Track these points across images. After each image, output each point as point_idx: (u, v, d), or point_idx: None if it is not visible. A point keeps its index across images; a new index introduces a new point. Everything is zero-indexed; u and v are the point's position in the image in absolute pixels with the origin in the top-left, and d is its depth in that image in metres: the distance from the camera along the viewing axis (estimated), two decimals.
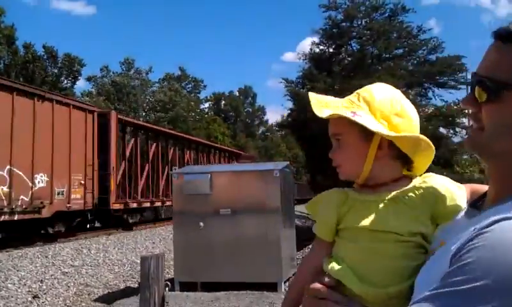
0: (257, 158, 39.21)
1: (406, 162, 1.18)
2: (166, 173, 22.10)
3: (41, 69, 38.49)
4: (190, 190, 8.61)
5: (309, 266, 1.26)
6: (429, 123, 17.24)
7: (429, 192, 1.14)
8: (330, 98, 1.21)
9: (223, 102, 71.76)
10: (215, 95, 70.04)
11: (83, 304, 9.26)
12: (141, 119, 48.01)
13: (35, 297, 8.88)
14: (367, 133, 1.13)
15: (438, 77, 19.81)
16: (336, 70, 17.87)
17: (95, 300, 9.50)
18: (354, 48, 20.23)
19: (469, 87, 0.95)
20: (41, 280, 9.76)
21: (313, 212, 1.27)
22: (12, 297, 8.65)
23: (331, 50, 20.48)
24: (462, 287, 0.68)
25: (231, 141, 59.15)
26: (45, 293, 9.19)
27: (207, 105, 66.44)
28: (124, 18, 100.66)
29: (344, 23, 19.98)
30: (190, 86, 58.68)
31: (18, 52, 36.82)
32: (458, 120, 19.38)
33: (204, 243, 8.23)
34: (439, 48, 20.25)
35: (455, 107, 19.13)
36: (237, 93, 73.68)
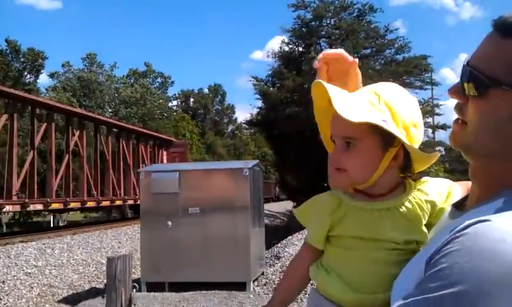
0: (188, 146, 36.48)
1: (404, 170, 1.15)
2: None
3: (3, 64, 37.41)
4: (158, 189, 8.50)
5: (297, 271, 1.23)
6: None
7: (424, 200, 1.12)
8: (349, 95, 1.14)
9: (192, 99, 71.31)
10: (183, 92, 69.52)
11: (47, 305, 9.04)
12: (107, 115, 47.30)
13: None
14: (386, 142, 1.08)
15: (404, 77, 20.14)
16: (305, 69, 17.93)
17: (59, 302, 9.29)
18: (323, 47, 20.37)
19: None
20: (3, 281, 9.49)
21: (305, 217, 1.22)
22: None
23: (300, 49, 20.60)
24: (435, 294, 0.67)
25: (199, 138, 58.82)
26: (7, 295, 8.94)
27: (175, 102, 65.73)
28: (89, 14, 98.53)
29: (313, 23, 20.13)
30: (158, 81, 57.95)
31: None
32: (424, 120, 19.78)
33: (172, 242, 8.14)
34: (406, 48, 20.60)
35: (420, 107, 19.51)
36: (207, 91, 73.39)
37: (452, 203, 1.08)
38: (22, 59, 40.15)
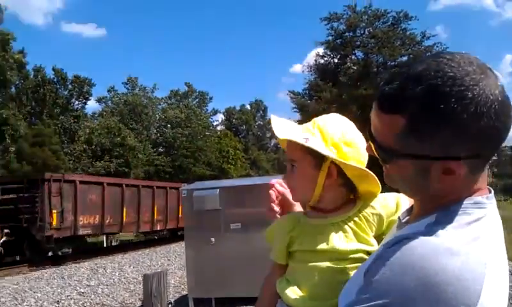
0: None
1: (352, 189, 1.28)
2: None
3: (51, 92, 38.98)
4: (199, 206, 8.68)
5: (268, 287, 1.38)
6: None
7: (371, 213, 1.26)
8: (290, 124, 1.31)
9: (234, 116, 71.97)
10: (227, 110, 70.36)
11: None
12: (153, 137, 48.39)
13: None
14: (318, 161, 1.22)
15: None
16: (342, 80, 17.93)
17: None
18: (359, 57, 20.30)
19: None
20: (58, 301, 9.88)
21: (269, 239, 1.38)
22: None
23: (336, 60, 20.61)
24: (365, 304, 0.73)
25: (243, 155, 59.16)
26: None
27: (216, 118, 66.65)
28: (131, 40, 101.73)
29: (346, 34, 20.07)
30: (196, 100, 58.96)
31: (28, 76, 37.42)
32: None
33: (216, 258, 8.26)
34: None
35: None
36: (249, 107, 73.95)
37: (397, 215, 1.19)
38: (70, 87, 41.75)
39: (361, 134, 1.30)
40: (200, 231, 8.54)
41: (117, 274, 12.56)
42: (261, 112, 75.49)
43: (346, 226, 1.24)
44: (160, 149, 47.46)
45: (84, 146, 38.78)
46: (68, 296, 10.29)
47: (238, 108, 72.64)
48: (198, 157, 44.54)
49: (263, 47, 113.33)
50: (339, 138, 1.23)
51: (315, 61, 21.03)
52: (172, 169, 44.32)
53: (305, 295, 1.22)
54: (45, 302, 9.67)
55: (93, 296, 10.65)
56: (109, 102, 52.35)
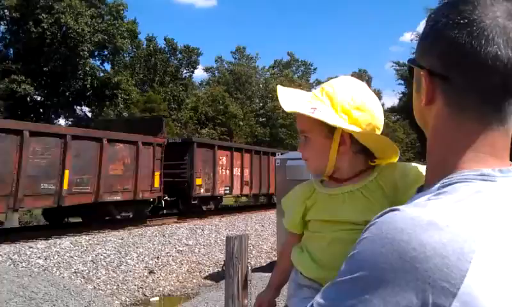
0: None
1: (369, 155, 1.23)
2: None
3: (163, 61, 41.02)
4: (292, 176, 8.78)
5: (283, 256, 1.42)
6: None
7: (388, 181, 1.20)
8: (298, 92, 1.28)
9: None
10: (328, 80, 69.56)
11: (194, 281, 9.93)
12: (255, 107, 49.29)
13: (151, 272, 9.70)
14: (329, 130, 1.19)
15: None
16: None
17: (205, 278, 10.14)
18: None
19: None
20: (158, 257, 10.61)
21: (285, 207, 1.39)
22: (130, 271, 9.54)
23: None
24: (344, 277, 0.71)
25: None
26: (160, 269, 10.00)
27: (318, 88, 66.15)
28: (239, 9, 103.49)
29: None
30: (301, 70, 58.78)
31: (141, 45, 39.69)
32: None
33: None
34: None
35: None
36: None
37: (414, 186, 1.09)
38: (179, 56, 43.64)
39: (374, 96, 1.24)
40: None
41: (213, 236, 13.16)
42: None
43: (361, 195, 1.20)
44: (260, 119, 48.29)
45: (191, 114, 40.55)
46: (167, 253, 11.00)
47: None
48: (294, 129, 44.69)
49: (371, 14, 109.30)
50: (349, 103, 1.19)
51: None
52: (270, 139, 45.00)
53: (316, 264, 1.22)
54: (145, 257, 10.43)
55: (190, 254, 11.29)
56: (216, 71, 54.16)
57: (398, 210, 0.72)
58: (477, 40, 0.74)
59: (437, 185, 0.77)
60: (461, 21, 0.76)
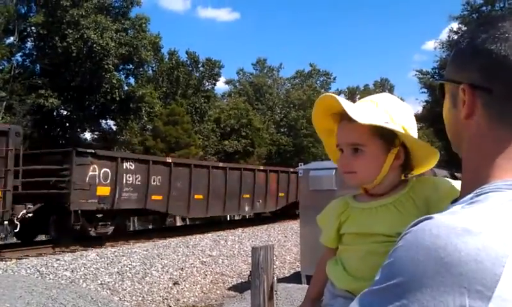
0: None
1: (405, 169, 1.30)
2: None
3: (185, 74, 41.46)
4: (315, 186, 8.79)
5: (319, 269, 1.48)
6: None
7: (419, 195, 1.25)
8: (361, 106, 1.32)
9: (358, 96, 70.57)
10: (349, 89, 69.10)
11: (218, 292, 9.96)
12: (277, 118, 49.36)
13: (175, 283, 9.77)
14: (388, 144, 1.25)
15: None
16: None
17: (229, 289, 10.16)
18: None
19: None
20: (182, 268, 10.68)
21: (321, 223, 1.46)
22: (155, 282, 9.62)
23: None
24: (382, 285, 0.73)
25: None
26: (184, 281, 10.07)
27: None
28: (262, 22, 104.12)
29: (484, 8, 18.49)
30: (320, 80, 58.86)
31: (163, 59, 40.23)
32: None
33: None
34: None
35: None
36: (373, 86, 71.93)
37: (446, 201, 1.13)
38: (201, 69, 44.04)
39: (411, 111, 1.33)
40: (315, 211, 8.52)
41: (237, 247, 13.19)
42: (387, 91, 73.01)
43: (394, 209, 1.24)
44: (282, 129, 48.32)
45: (213, 126, 40.80)
46: (191, 264, 11.07)
47: (362, 88, 70.96)
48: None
49: (394, 22, 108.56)
50: (403, 119, 1.26)
51: (448, 36, 19.78)
52: (293, 148, 44.94)
53: (349, 275, 1.26)
54: (170, 268, 10.51)
55: (214, 265, 11.33)
56: (237, 83, 54.50)
57: (432, 218, 0.75)
58: None
59: (470, 195, 0.80)
60: (501, 36, 0.81)
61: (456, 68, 0.88)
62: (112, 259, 10.27)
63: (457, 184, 1.24)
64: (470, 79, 0.84)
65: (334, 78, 60.79)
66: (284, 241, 14.84)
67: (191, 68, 43.17)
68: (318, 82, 58.54)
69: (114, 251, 10.90)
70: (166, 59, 40.99)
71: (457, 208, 0.78)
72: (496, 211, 0.74)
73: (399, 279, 0.71)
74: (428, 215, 0.76)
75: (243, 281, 10.37)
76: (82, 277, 9.05)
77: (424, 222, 0.75)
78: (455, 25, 19.56)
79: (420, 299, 0.68)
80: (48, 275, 8.87)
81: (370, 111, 1.27)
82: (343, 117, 1.28)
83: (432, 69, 20.06)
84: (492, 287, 0.66)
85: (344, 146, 1.29)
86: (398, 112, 1.27)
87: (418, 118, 24.09)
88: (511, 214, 0.73)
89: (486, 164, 0.83)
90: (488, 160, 0.83)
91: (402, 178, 1.30)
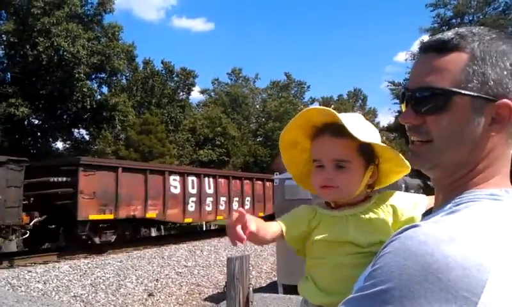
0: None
1: (370, 185, 1.36)
2: None
3: (160, 83, 41.19)
4: (291, 195, 8.80)
5: (270, 224, 1.34)
6: None
7: (387, 206, 1.30)
8: (358, 124, 1.34)
9: (332, 105, 71.20)
10: (323, 99, 69.73)
11: (193, 303, 9.86)
12: (252, 127, 49.46)
13: (150, 295, 9.64)
14: (367, 161, 1.30)
15: None
16: None
17: (205, 300, 10.07)
18: None
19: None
20: (157, 279, 10.55)
21: (288, 214, 1.40)
22: (130, 294, 9.48)
23: None
24: (369, 291, 0.74)
25: None
26: (159, 292, 9.94)
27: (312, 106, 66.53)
28: (237, 33, 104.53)
29: (453, 20, 19.01)
30: (294, 90, 59.33)
31: (138, 68, 39.92)
32: None
33: None
34: None
35: None
36: (346, 97, 72.72)
37: (419, 211, 1.23)
38: (176, 78, 43.82)
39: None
40: None
41: (213, 257, 13.10)
42: (360, 101, 73.87)
43: (364, 217, 1.28)
44: (258, 139, 48.39)
45: (188, 135, 40.59)
46: (166, 275, 10.94)
47: (335, 98, 71.68)
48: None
49: (367, 34, 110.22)
50: (376, 137, 1.31)
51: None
52: (270, 159, 45.03)
53: (321, 290, 1.26)
54: (145, 279, 10.37)
55: (189, 276, 11.22)
56: (212, 93, 54.42)
57: (419, 226, 0.76)
58: None
59: (449, 205, 0.83)
60: None
61: (487, 83, 0.85)
62: (86, 270, 10.08)
63: (418, 196, 1.34)
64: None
65: (308, 87, 61.29)
66: (261, 251, 14.79)
67: (166, 78, 42.91)
68: (293, 91, 58.91)
69: (88, 263, 10.70)
70: (141, 69, 40.66)
71: (437, 218, 0.80)
72: (477, 220, 0.76)
73: (387, 285, 0.71)
74: (414, 223, 0.78)
75: (219, 291, 10.29)
76: (55, 289, 8.85)
77: (410, 230, 0.76)
78: (425, 38, 20.01)
79: (408, 306, 0.68)
80: (20, 287, 8.65)
81: (367, 130, 1.30)
82: (323, 132, 1.29)
83: (404, 80, 20.35)
84: (478, 293, 0.67)
85: (326, 161, 1.29)
86: (374, 132, 1.32)
87: (391, 128, 24.56)
88: (490, 223, 0.76)
89: (492, 169, 0.87)
90: (494, 165, 0.87)
91: (368, 191, 1.35)
